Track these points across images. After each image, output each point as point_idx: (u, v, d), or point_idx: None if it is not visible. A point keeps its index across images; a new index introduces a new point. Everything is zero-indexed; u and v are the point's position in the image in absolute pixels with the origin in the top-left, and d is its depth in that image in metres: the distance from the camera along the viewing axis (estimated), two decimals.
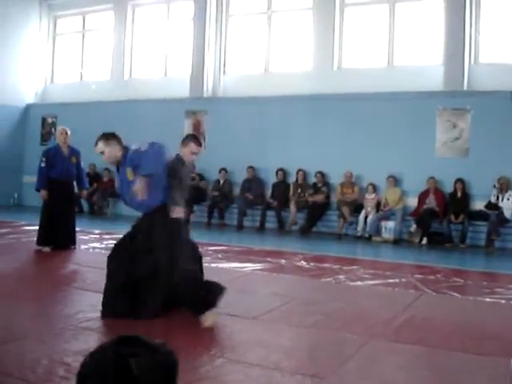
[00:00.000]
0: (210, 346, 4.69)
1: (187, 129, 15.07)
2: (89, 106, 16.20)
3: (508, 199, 11.47)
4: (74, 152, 9.34)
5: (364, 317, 5.78)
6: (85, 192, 9.78)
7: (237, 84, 14.85)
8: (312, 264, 8.94)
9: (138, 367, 1.43)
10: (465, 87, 12.44)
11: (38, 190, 9.17)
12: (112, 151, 5.50)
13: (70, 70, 17.73)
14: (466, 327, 5.56)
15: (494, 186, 11.59)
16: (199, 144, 5.81)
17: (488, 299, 6.87)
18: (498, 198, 11.56)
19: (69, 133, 9.33)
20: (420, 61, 13.11)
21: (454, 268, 9.13)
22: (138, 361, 1.44)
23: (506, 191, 11.51)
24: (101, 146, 5.53)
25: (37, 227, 9.31)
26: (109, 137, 5.55)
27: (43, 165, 9.07)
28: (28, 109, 17.72)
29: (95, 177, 15.62)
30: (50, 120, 17.36)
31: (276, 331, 5.20)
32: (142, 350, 1.48)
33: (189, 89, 15.16)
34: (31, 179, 15.61)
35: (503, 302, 6.75)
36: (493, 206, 11.54)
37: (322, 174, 13.26)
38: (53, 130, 16.74)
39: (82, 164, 9.55)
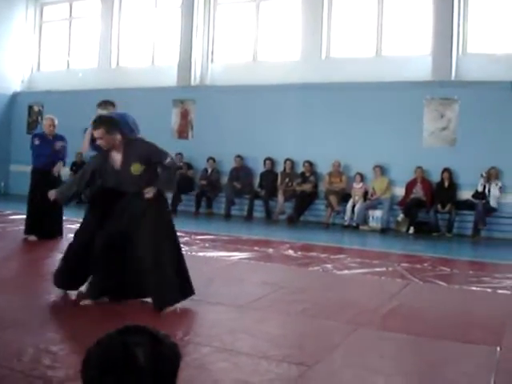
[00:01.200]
0: (196, 335, 4.69)
1: (175, 117, 15.03)
2: (75, 94, 16.07)
3: (496, 185, 11.48)
4: (59, 139, 9.27)
5: (351, 305, 5.79)
6: (58, 165, 9.24)
7: (225, 73, 14.79)
8: (299, 253, 8.96)
9: (143, 357, 1.44)
10: (453, 77, 12.46)
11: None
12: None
13: (57, 58, 17.57)
14: (453, 316, 5.59)
15: (482, 176, 11.63)
16: (94, 127, 5.37)
17: (474, 288, 6.90)
18: (484, 187, 11.60)
19: (56, 123, 9.26)
20: (408, 51, 13.10)
21: (440, 257, 9.17)
22: (144, 351, 1.45)
23: (494, 180, 11.55)
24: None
25: (23, 216, 9.26)
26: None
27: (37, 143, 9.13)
28: (14, 97, 17.57)
29: (82, 165, 15.49)
30: (36, 108, 17.23)
31: (263, 320, 5.20)
32: (148, 340, 1.49)
33: (176, 77, 15.08)
34: (18, 168, 15.59)
35: (489, 290, 6.79)
36: (480, 195, 11.59)
37: (310, 164, 13.26)
38: (39, 118, 16.63)
39: (68, 149, 9.48)
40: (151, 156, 5.42)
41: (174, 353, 1.54)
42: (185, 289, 5.36)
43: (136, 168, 5.32)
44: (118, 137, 5.36)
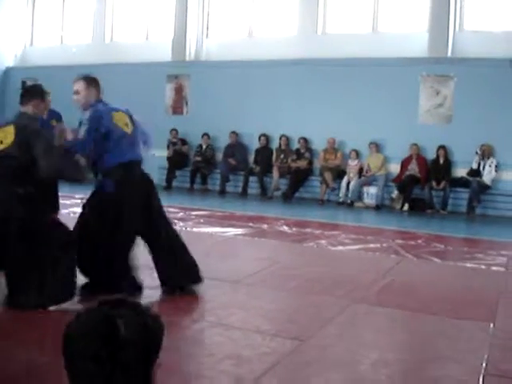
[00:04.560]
0: (190, 309, 4.70)
1: (169, 93, 14.94)
2: (69, 70, 15.79)
3: (490, 166, 11.53)
4: (54, 115, 9.15)
5: (345, 281, 5.80)
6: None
7: (220, 48, 14.66)
8: (294, 229, 8.96)
9: (125, 328, 1.44)
10: (449, 54, 12.38)
11: None
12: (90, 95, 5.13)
13: (51, 33, 17.38)
14: (446, 292, 5.60)
15: (476, 153, 11.64)
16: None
17: (468, 265, 6.92)
18: (479, 164, 11.62)
19: (49, 98, 9.14)
20: (405, 27, 13.00)
21: (434, 234, 9.18)
22: (126, 322, 1.45)
23: (488, 158, 11.57)
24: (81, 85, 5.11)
25: None
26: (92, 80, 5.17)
27: None
28: (7, 72, 17.41)
29: None
30: (29, 83, 17.03)
31: (257, 295, 5.21)
32: (129, 312, 1.49)
33: (171, 52, 14.96)
34: None
35: (483, 267, 6.81)
36: (474, 173, 11.60)
37: (305, 140, 13.21)
38: None
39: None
40: None
41: (156, 324, 1.54)
42: None
43: None
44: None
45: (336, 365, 3.72)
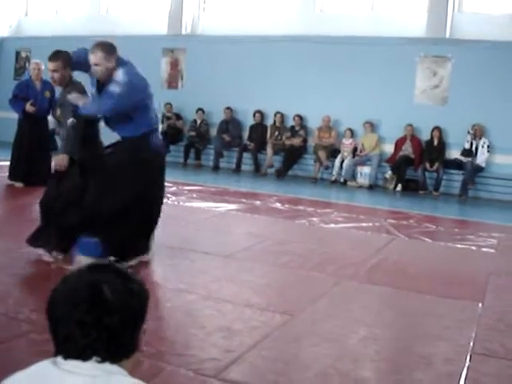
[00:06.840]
0: (182, 282, 4.70)
1: (164, 66, 14.84)
2: (64, 41, 15.54)
3: (482, 147, 11.53)
4: (48, 86, 9.09)
5: (336, 258, 5.83)
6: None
7: (217, 22, 14.53)
8: (287, 206, 8.96)
9: (111, 294, 1.44)
10: (447, 35, 12.33)
11: (22, 111, 8.91)
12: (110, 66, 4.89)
13: (46, 4, 17.21)
14: (436, 271, 5.63)
15: (469, 133, 11.64)
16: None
17: (459, 245, 6.96)
18: (471, 144, 11.62)
19: (42, 68, 9.08)
20: (404, 7, 12.93)
21: (426, 214, 9.21)
22: (112, 287, 1.45)
23: (480, 138, 11.58)
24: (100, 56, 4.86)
25: (9, 162, 9.16)
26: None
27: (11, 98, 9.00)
28: (1, 42, 17.24)
29: None
30: (23, 54, 16.94)
31: (248, 269, 5.23)
32: (114, 277, 1.49)
33: (167, 26, 14.83)
34: (4, 114, 15.38)
35: (474, 248, 6.85)
36: (468, 153, 11.61)
37: (300, 118, 13.18)
38: (27, 64, 16.35)
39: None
40: None
41: (141, 289, 1.54)
42: None
43: None
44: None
45: (325, 340, 3.74)
